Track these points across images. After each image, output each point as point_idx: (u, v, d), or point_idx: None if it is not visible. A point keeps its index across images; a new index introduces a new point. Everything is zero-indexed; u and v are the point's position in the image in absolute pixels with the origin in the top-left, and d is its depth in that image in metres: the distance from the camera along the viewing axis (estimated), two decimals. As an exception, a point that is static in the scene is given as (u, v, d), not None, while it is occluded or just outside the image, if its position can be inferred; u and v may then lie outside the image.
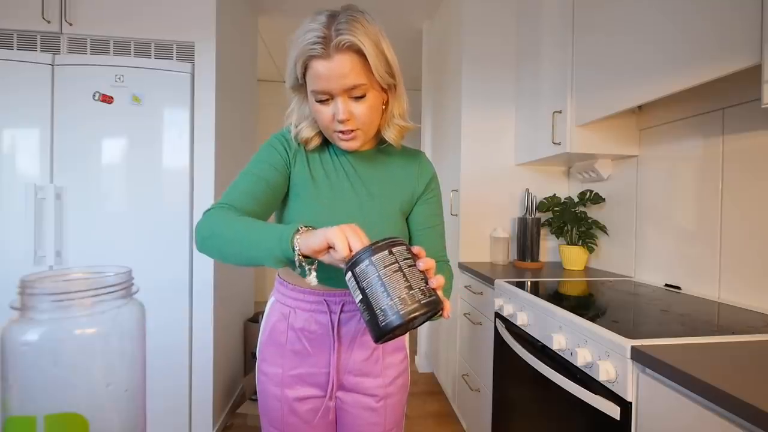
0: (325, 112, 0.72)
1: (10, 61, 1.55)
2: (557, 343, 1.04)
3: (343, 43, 0.65)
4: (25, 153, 1.57)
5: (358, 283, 0.55)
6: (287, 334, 0.81)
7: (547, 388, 1.09)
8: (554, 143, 1.65)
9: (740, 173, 1.20)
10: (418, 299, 0.54)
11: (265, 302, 0.91)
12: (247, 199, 0.72)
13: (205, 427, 1.77)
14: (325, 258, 0.57)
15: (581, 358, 0.93)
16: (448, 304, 0.60)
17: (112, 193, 1.64)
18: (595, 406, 0.89)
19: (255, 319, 2.48)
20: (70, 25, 1.64)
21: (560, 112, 1.63)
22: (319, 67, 0.67)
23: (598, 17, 1.45)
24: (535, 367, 1.12)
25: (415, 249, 0.60)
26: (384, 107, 0.78)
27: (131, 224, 1.64)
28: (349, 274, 0.56)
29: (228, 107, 1.99)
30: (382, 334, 0.54)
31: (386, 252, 0.55)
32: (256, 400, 2.06)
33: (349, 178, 0.81)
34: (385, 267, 0.54)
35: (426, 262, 0.58)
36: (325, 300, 0.78)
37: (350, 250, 0.55)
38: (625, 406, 0.82)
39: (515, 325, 1.30)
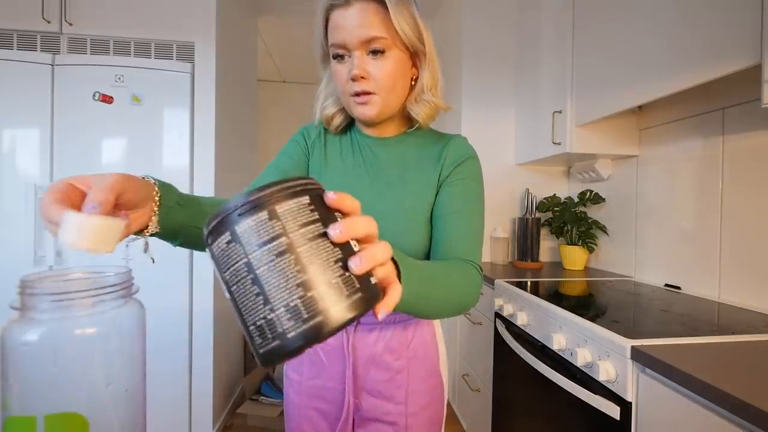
0: (341, 71, 0.64)
1: (10, 61, 1.55)
2: (557, 343, 1.04)
3: None
4: (25, 153, 1.57)
5: (219, 270, 0.30)
6: None
7: (547, 388, 1.09)
8: (554, 143, 1.65)
9: (740, 173, 1.20)
10: (325, 304, 0.28)
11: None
12: None
13: (205, 427, 1.77)
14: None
15: (581, 358, 0.93)
16: (390, 296, 0.35)
17: (112, 193, 1.64)
18: (595, 406, 0.89)
19: (255, 319, 2.48)
20: (70, 25, 1.64)
21: (560, 112, 1.64)
22: (337, 17, 0.62)
23: (598, 17, 1.45)
24: (535, 367, 1.12)
25: (330, 197, 0.32)
26: (413, 81, 0.69)
27: (131, 224, 1.64)
28: (208, 252, 0.31)
29: (228, 107, 1.99)
30: (263, 362, 0.30)
31: (264, 214, 0.29)
32: (256, 400, 2.06)
33: (366, 164, 0.72)
34: (261, 246, 0.28)
35: (347, 226, 0.31)
36: None
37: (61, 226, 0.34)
38: (625, 406, 0.82)
39: (515, 325, 1.30)
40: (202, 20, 1.74)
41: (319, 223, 0.31)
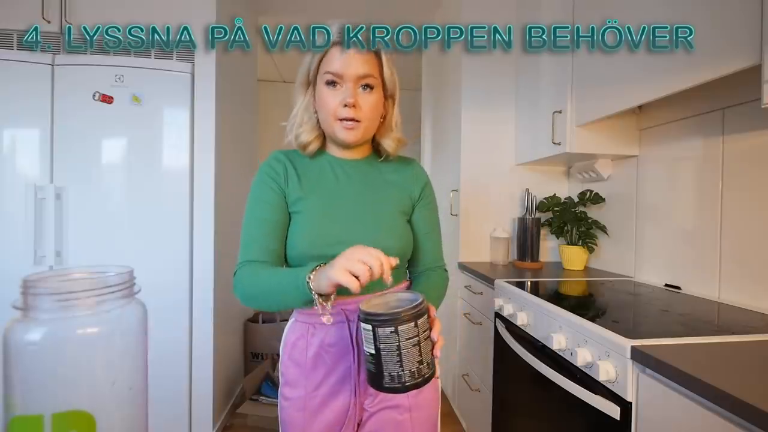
0: (332, 96, 0.75)
1: (10, 61, 1.55)
2: (557, 343, 1.04)
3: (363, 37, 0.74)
4: (25, 153, 1.57)
5: (375, 340, 0.57)
6: (307, 351, 0.79)
7: (547, 388, 1.09)
8: (554, 143, 1.65)
9: (740, 173, 1.20)
10: (423, 374, 0.59)
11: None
12: (262, 249, 0.76)
13: (205, 427, 1.77)
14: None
15: (581, 358, 0.93)
16: (437, 330, 0.65)
17: (112, 193, 1.64)
18: (595, 406, 0.89)
19: (255, 319, 2.49)
20: (70, 25, 1.64)
21: (560, 112, 1.64)
22: (337, 50, 0.74)
23: (598, 15, 1.45)
24: (535, 367, 1.12)
25: (432, 315, 0.65)
26: (382, 119, 0.83)
27: (131, 224, 1.64)
28: (369, 326, 0.57)
29: (228, 107, 1.99)
30: (381, 390, 0.60)
31: (412, 324, 0.57)
32: (256, 400, 2.06)
33: (339, 181, 0.82)
34: (407, 339, 0.57)
35: (437, 332, 0.63)
36: (342, 310, 0.77)
37: (363, 283, 0.56)
38: (625, 406, 0.82)
39: (515, 325, 1.30)
40: (202, 20, 1.74)
41: (428, 330, 0.61)
